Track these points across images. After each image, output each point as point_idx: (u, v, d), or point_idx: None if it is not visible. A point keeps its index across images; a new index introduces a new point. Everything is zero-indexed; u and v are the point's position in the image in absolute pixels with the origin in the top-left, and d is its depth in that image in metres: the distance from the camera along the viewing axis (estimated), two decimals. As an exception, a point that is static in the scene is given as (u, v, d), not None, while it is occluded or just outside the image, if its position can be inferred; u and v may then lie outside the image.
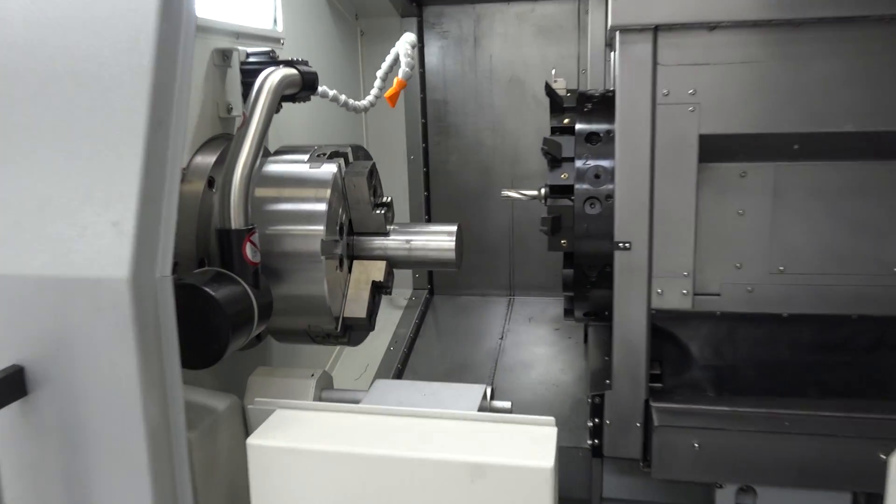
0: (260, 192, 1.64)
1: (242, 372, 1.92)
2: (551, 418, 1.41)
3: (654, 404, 1.92)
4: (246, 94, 1.80)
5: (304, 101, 1.87)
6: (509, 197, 2.31)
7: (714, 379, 2.00)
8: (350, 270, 1.75)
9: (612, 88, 2.25)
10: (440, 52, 3.44)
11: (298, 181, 1.63)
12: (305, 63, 1.77)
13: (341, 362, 3.01)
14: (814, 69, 1.70)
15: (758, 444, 1.80)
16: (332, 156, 1.69)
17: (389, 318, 3.35)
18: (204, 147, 1.71)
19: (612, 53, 2.80)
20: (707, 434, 1.85)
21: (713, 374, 2.00)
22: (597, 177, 1.94)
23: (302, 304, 1.62)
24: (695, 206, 1.82)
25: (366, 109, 2.17)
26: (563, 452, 2.51)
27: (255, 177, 1.70)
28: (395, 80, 2.00)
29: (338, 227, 1.65)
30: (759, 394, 1.95)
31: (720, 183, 1.84)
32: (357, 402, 1.57)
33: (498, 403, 1.59)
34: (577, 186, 1.94)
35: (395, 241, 1.77)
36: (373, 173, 1.71)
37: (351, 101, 2.12)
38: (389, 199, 1.80)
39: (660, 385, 1.98)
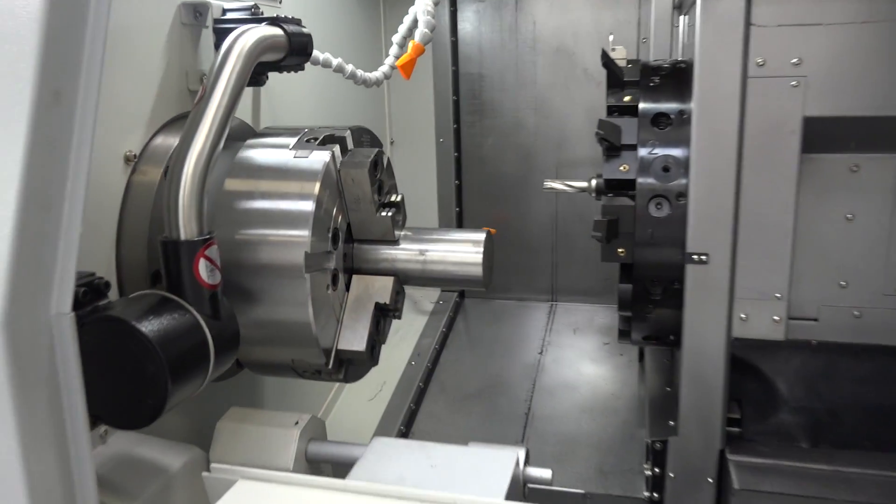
0: (231, 184, 1.33)
1: (219, 407, 1.62)
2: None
3: (731, 457, 1.65)
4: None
5: (295, 71, 1.55)
6: (553, 189, 2.02)
7: (808, 426, 1.71)
8: (348, 288, 1.43)
9: (683, 59, 1.92)
10: (475, 18, 3.11)
11: (279, 172, 1.31)
12: (297, 22, 1.45)
13: (355, 377, 2.71)
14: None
15: (870, 520, 1.54)
16: (326, 141, 1.36)
17: (412, 326, 3.04)
18: (166, 127, 1.42)
19: (682, 17, 2.44)
20: (803, 503, 1.57)
21: (807, 419, 1.71)
22: (665, 169, 1.65)
23: (282, 333, 1.31)
24: (794, 210, 1.54)
25: (378, 82, 1.84)
26: (611, 503, 2.22)
27: (226, 164, 1.39)
28: (410, 45, 1.67)
29: (330, 233, 1.33)
30: (867, 447, 1.67)
31: (825, 179, 1.56)
32: (352, 461, 1.26)
33: (535, 471, 1.25)
34: (639, 181, 1.65)
35: (405, 252, 1.44)
36: (377, 164, 1.38)
37: (360, 73, 1.79)
38: (400, 196, 1.47)
39: (738, 430, 1.72)
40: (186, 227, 1.11)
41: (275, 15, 1.40)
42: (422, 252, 1.44)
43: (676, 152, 1.62)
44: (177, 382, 1.04)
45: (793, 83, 1.46)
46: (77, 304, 1.04)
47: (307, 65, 1.63)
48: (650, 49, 2.82)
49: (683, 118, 1.64)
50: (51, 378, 0.86)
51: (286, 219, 1.27)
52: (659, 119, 1.68)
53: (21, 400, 0.82)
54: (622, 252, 1.75)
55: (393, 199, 1.45)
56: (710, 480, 1.67)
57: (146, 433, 1.38)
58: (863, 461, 1.60)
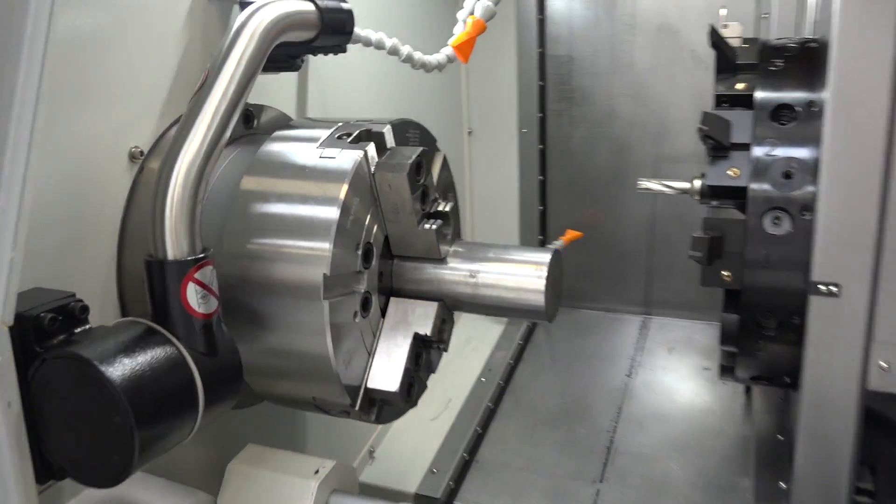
0: (248, 182, 1.15)
1: (247, 434, 1.48)
2: None
3: (860, 539, 1.42)
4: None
5: (335, 53, 1.36)
6: (648, 189, 1.77)
7: (962, 504, 1.45)
8: (384, 313, 1.23)
9: (815, 37, 1.62)
10: (566, -8, 2.84)
11: (301, 172, 1.13)
12: (339, -4, 1.25)
13: (418, 392, 2.52)
14: None
15: None
16: (362, 137, 1.16)
17: (487, 336, 2.83)
18: (185, 120, 1.26)
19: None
20: None
21: (961, 495, 1.45)
22: (787, 175, 1.39)
23: (298, 366, 1.13)
24: (959, 232, 1.26)
25: (440, 66, 1.62)
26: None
27: (245, 160, 1.23)
28: (469, 21, 1.43)
29: (360, 248, 1.13)
30: None
31: None
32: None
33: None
34: (752, 189, 1.38)
35: (453, 273, 1.22)
36: (420, 167, 1.17)
37: (418, 55, 1.58)
38: (449, 205, 1.24)
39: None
40: (174, 245, 0.94)
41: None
42: (473, 274, 1.21)
43: (802, 154, 1.35)
44: (149, 436, 0.87)
45: (964, 66, 1.16)
46: (44, 334, 0.91)
47: (362, 48, 1.45)
48: (772, 26, 2.49)
49: (812, 111, 1.37)
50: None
51: (304, 227, 1.08)
52: (780, 112, 1.40)
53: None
54: (727, 276, 1.49)
55: (441, 207, 1.24)
56: (835, 566, 1.41)
57: (150, 470, 1.25)
58: None
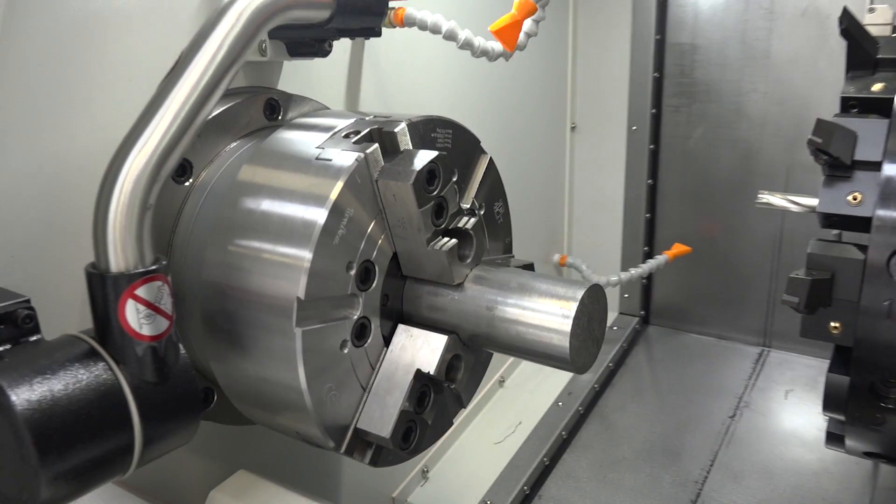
0: (246, 172, 1.03)
1: (255, 450, 1.39)
2: None
3: None
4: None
5: (367, 37, 1.22)
6: (769, 205, 1.49)
7: None
8: (388, 343, 1.07)
9: None
10: (694, -28, 2.52)
11: (295, 167, 0.99)
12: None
13: (488, 408, 2.36)
14: None
15: None
16: (372, 137, 1.01)
17: (572, 354, 2.59)
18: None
19: None
20: None
21: None
22: None
23: (271, 396, 1.00)
24: None
25: (506, 55, 1.43)
26: None
27: (252, 147, 1.11)
28: (516, 1, 1.22)
29: (356, 263, 0.98)
30: None
31: None
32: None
33: None
34: (879, 218, 1.10)
35: (467, 303, 1.04)
36: (435, 174, 1.00)
37: (479, 41, 1.39)
38: (471, 221, 1.06)
39: None
40: (117, 256, 0.83)
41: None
42: (490, 306, 1.03)
43: (950, 180, 1.04)
44: (60, 472, 0.77)
45: None
46: (-21, 343, 0.83)
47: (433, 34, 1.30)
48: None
49: (970, 124, 1.05)
50: None
51: (284, 229, 0.94)
52: (924, 123, 1.10)
53: None
54: (836, 328, 1.20)
55: (462, 224, 1.05)
56: None
57: (144, 483, 1.18)
58: None
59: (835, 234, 1.33)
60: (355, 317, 1.01)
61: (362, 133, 1.02)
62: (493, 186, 1.24)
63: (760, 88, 2.46)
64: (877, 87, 1.24)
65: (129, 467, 0.87)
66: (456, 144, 1.14)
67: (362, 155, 0.97)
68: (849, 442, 1.38)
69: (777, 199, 1.48)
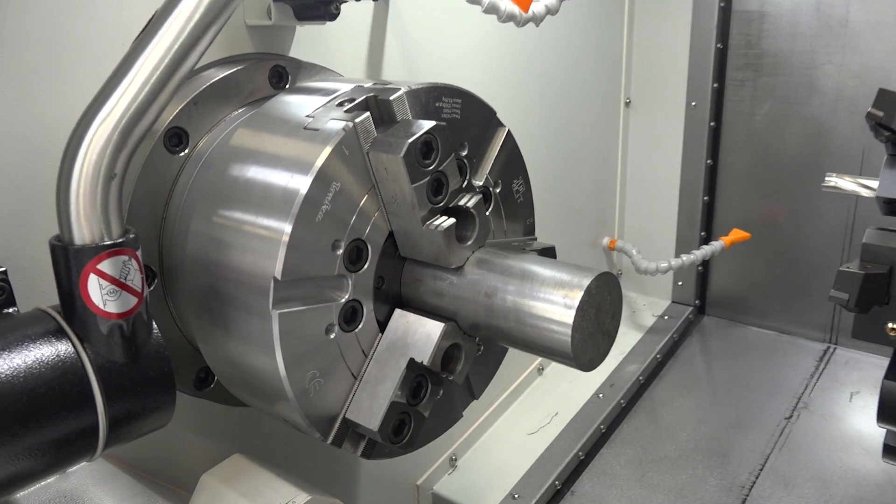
0: (239, 137, 0.98)
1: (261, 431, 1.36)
2: None
3: None
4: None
5: None
6: (836, 188, 1.37)
7: None
8: (383, 328, 1.01)
9: None
10: (766, -68, 2.33)
11: (284, 133, 0.93)
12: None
13: (524, 397, 2.28)
14: None
15: None
16: (370, 105, 0.94)
17: (619, 343, 2.47)
18: (202, 75, 1.12)
19: None
20: None
21: None
22: None
23: (252, 381, 0.95)
24: None
25: (536, 20, 1.34)
26: None
27: (250, 111, 1.07)
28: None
29: (344, 242, 0.92)
30: None
31: None
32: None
33: None
34: None
35: (465, 288, 0.96)
36: (433, 147, 0.92)
37: (504, 5, 1.31)
38: (473, 199, 0.98)
39: None
40: (80, 228, 0.79)
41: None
42: (489, 292, 0.95)
43: None
44: (9, 456, 0.75)
45: None
46: (-60, 316, 0.82)
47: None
48: None
49: None
50: None
51: (266, 199, 0.89)
52: None
53: None
54: (894, 330, 1.07)
55: (464, 202, 0.98)
56: None
57: (142, 461, 1.17)
58: None
59: (870, 230, 1.20)
60: (343, 300, 0.95)
61: (357, 101, 0.96)
62: (512, 162, 1.16)
63: (835, 60, 2.27)
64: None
65: (96, 450, 0.84)
66: (466, 115, 1.06)
67: (350, 124, 0.91)
68: (907, 456, 1.26)
69: (846, 183, 1.35)
